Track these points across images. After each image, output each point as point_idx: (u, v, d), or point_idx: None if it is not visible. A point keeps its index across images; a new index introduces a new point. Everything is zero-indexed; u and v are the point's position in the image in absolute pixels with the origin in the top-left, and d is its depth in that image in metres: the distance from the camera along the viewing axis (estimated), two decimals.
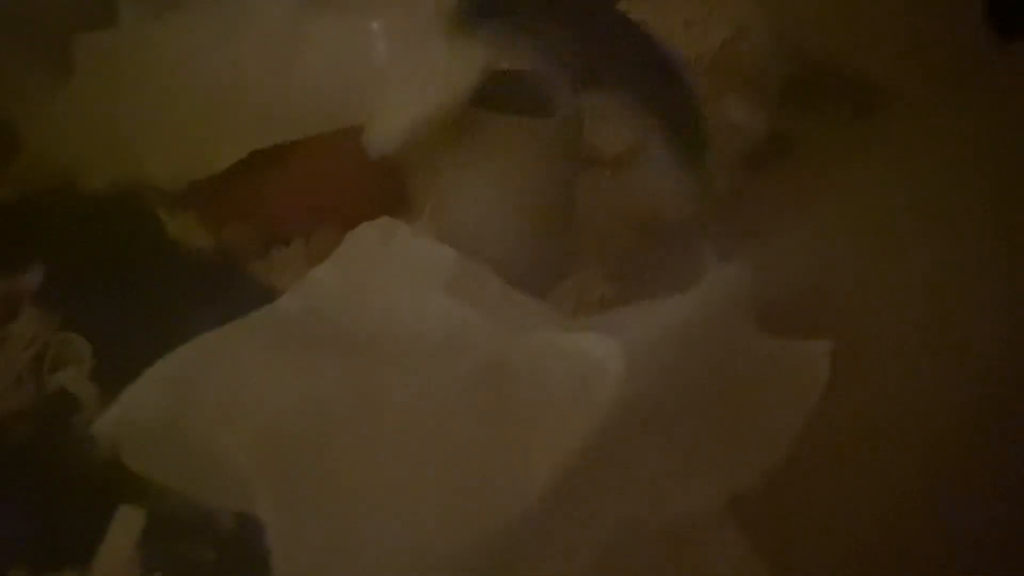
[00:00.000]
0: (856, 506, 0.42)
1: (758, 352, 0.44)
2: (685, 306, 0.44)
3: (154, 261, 0.59)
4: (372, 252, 0.54)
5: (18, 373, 0.50)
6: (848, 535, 0.42)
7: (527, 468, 0.35)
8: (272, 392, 0.34)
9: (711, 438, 0.41)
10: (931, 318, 0.51)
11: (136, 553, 0.39)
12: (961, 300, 0.53)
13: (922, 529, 0.41)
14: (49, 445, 0.46)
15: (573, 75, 0.62)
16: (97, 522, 0.40)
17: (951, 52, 0.70)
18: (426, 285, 0.51)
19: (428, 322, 0.48)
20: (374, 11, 0.73)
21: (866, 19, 0.73)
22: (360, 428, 0.34)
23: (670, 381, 0.40)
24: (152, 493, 0.41)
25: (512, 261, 0.56)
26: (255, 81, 0.71)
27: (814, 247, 0.56)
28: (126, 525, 0.40)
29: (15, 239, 0.60)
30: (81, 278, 0.57)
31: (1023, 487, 0.44)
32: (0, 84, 0.68)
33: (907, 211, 0.60)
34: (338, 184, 0.67)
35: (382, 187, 0.70)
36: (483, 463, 0.34)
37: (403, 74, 0.70)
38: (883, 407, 0.46)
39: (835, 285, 0.53)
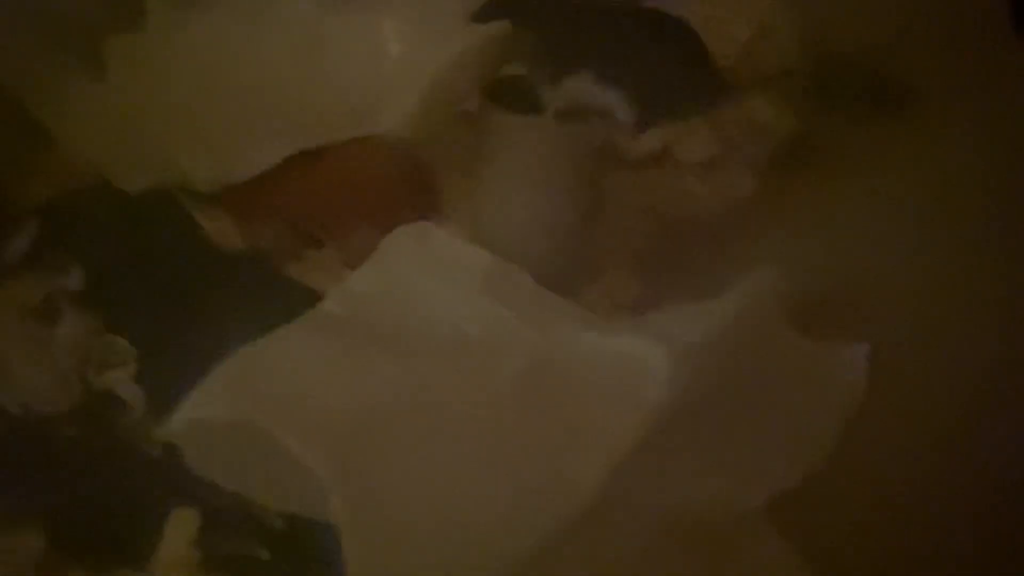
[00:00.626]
0: (896, 505, 0.43)
1: (796, 355, 0.45)
2: (725, 310, 0.44)
3: (191, 263, 0.59)
4: (409, 255, 0.55)
5: (64, 375, 0.51)
6: (888, 535, 0.42)
7: (577, 469, 0.35)
8: (335, 394, 0.35)
9: (751, 440, 0.42)
10: (963, 317, 0.52)
11: (192, 553, 0.40)
12: (991, 298, 0.54)
13: (962, 529, 0.42)
14: (98, 446, 0.46)
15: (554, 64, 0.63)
16: (151, 523, 0.41)
17: (975, 51, 0.70)
18: (463, 287, 0.52)
19: (467, 324, 0.48)
20: (397, 9, 0.74)
21: (890, 18, 0.74)
22: (418, 429, 0.34)
23: (712, 384, 0.41)
24: (204, 494, 0.42)
25: (543, 262, 0.57)
26: (285, 82, 0.71)
27: (844, 248, 0.57)
28: (181, 526, 0.41)
29: (53, 240, 0.60)
30: (119, 280, 0.57)
31: None
32: (32, 84, 0.69)
33: (935, 210, 0.61)
34: (370, 186, 0.67)
35: (413, 189, 0.71)
36: (536, 463, 0.35)
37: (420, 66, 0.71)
38: (918, 408, 0.46)
39: (866, 286, 0.53)
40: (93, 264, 0.58)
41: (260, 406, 0.34)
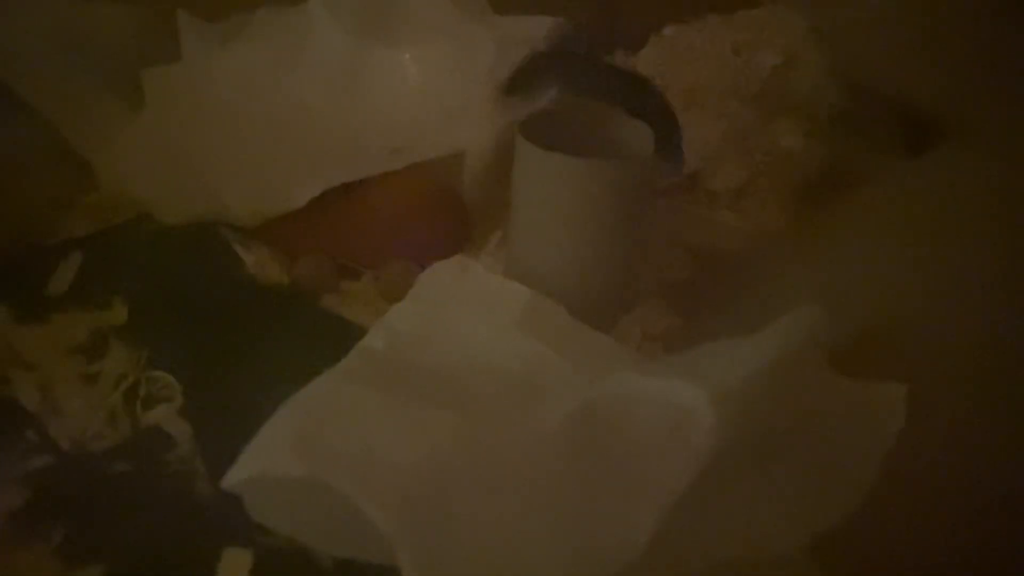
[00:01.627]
0: (939, 544, 0.43)
1: (835, 394, 0.46)
2: (764, 348, 0.45)
3: (232, 296, 0.60)
4: (448, 291, 0.55)
5: (111, 410, 0.52)
6: (930, 568, 0.43)
7: (630, 516, 0.36)
8: (397, 448, 0.36)
9: (792, 481, 0.42)
10: (1002, 353, 0.52)
11: None
12: None
13: (1007, 570, 0.42)
14: (148, 483, 0.47)
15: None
16: (205, 561, 0.42)
17: (1006, 85, 0.71)
18: (502, 323, 0.52)
19: (509, 360, 0.49)
20: (431, 43, 0.75)
21: (919, 51, 0.74)
22: (476, 481, 0.35)
23: (753, 426, 0.41)
24: (257, 534, 0.43)
25: (577, 296, 0.58)
26: (322, 116, 0.72)
27: (880, 283, 0.57)
28: (234, 565, 0.42)
29: (98, 273, 0.61)
30: (162, 314, 0.58)
31: None
32: (73, 118, 0.70)
33: (971, 243, 0.61)
34: (405, 218, 0.68)
35: (447, 221, 0.72)
36: (589, 511, 0.36)
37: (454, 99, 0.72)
38: (959, 446, 0.47)
39: (904, 322, 0.54)
40: (137, 297, 0.59)
41: (328, 463, 0.34)
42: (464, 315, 0.53)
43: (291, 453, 0.36)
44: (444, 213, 0.68)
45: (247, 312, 0.59)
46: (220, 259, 0.63)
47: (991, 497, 0.45)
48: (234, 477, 0.38)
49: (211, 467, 0.48)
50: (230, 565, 0.42)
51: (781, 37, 0.82)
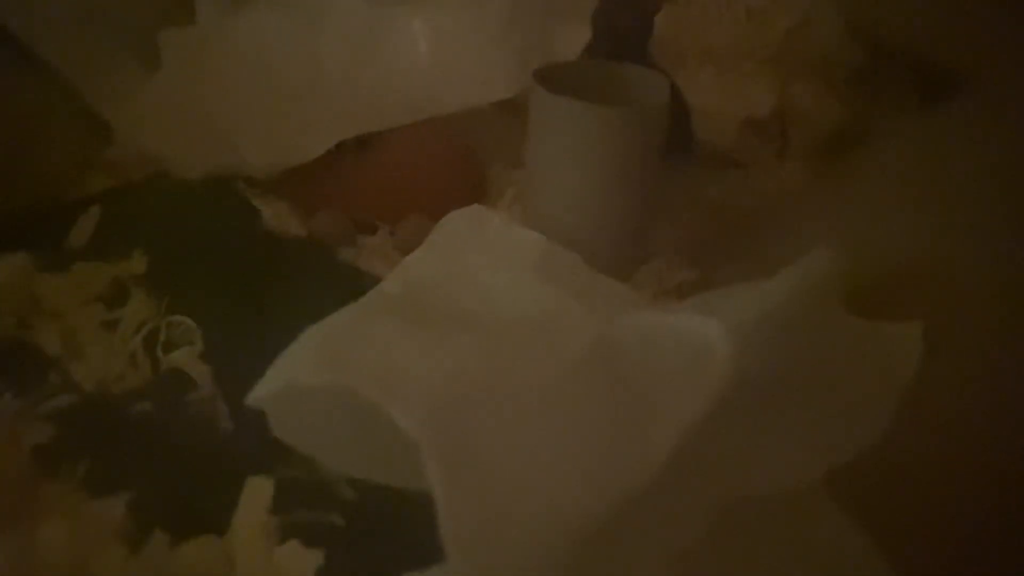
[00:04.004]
0: (955, 478, 0.43)
1: (851, 334, 0.46)
2: (780, 289, 0.45)
3: (250, 248, 0.61)
4: (464, 239, 0.56)
5: (132, 354, 0.53)
6: (946, 507, 0.43)
7: (648, 441, 0.36)
8: (422, 364, 0.36)
9: (809, 416, 0.42)
10: (1018, 295, 0.52)
11: (268, 519, 0.41)
12: None
13: (1021, 502, 0.42)
14: (170, 420, 0.48)
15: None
16: (227, 491, 0.43)
17: (1021, 34, 0.70)
18: (519, 270, 0.53)
19: (526, 305, 0.49)
20: (444, 2, 0.76)
21: (934, 5, 0.74)
22: (500, 400, 0.35)
23: (771, 362, 0.41)
24: (277, 464, 0.43)
25: (593, 246, 0.58)
26: (336, 72, 0.73)
27: (897, 230, 0.57)
28: (257, 494, 0.42)
29: (118, 227, 0.62)
30: (181, 265, 0.59)
31: None
32: (91, 77, 0.71)
33: (987, 192, 0.61)
34: (421, 173, 0.69)
35: (463, 176, 0.72)
36: (607, 432, 0.36)
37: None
38: (975, 384, 0.47)
39: (921, 266, 0.54)
40: (156, 249, 0.59)
41: (357, 373, 0.35)
42: (481, 262, 0.53)
43: (317, 364, 0.37)
44: (459, 168, 0.68)
45: (265, 262, 0.60)
46: (238, 212, 0.63)
47: (1013, 432, 0.45)
48: (260, 391, 0.38)
49: (232, 406, 0.48)
50: (253, 493, 0.42)
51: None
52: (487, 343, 0.39)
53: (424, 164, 0.68)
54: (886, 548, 0.41)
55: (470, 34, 0.73)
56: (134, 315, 0.55)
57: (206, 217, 0.63)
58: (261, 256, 0.60)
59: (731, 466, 0.41)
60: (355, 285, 0.58)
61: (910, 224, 0.60)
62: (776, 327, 0.43)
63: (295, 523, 0.42)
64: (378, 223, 0.65)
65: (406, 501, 0.40)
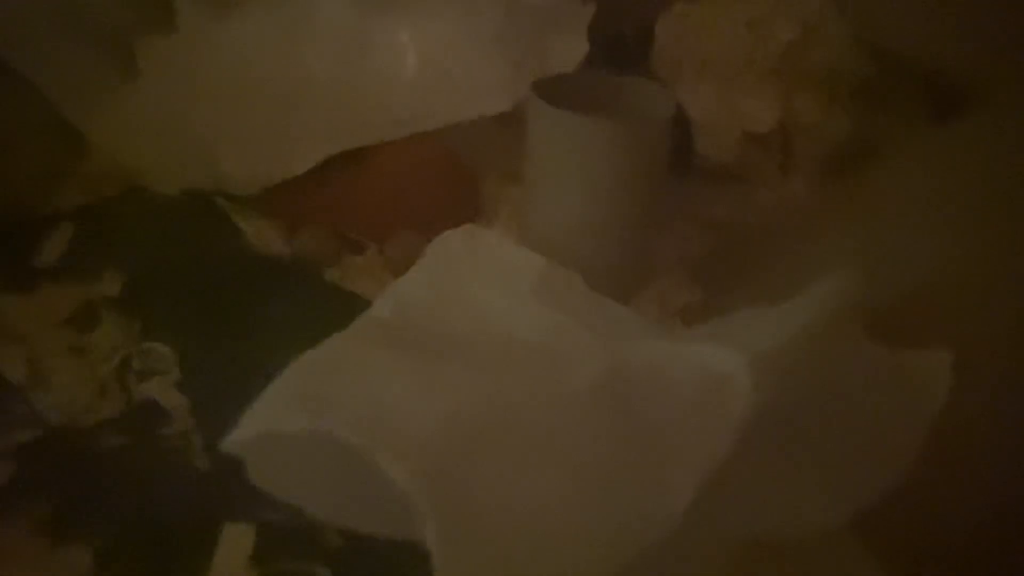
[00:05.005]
0: (987, 522, 0.40)
1: (874, 363, 0.43)
2: (798, 316, 0.42)
3: (231, 267, 0.58)
4: (458, 259, 0.53)
5: (102, 383, 0.49)
6: (973, 548, 0.40)
7: (666, 484, 0.33)
8: (414, 406, 0.33)
9: (833, 453, 0.40)
10: None
11: (250, 570, 0.38)
12: None
13: None
14: (144, 458, 0.44)
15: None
16: (204, 538, 0.39)
17: None
18: (516, 292, 0.50)
19: (525, 331, 0.46)
20: (437, 13, 0.73)
21: (946, 17, 0.72)
22: (502, 442, 0.32)
23: (792, 394, 0.39)
24: (258, 509, 0.40)
25: (594, 266, 0.55)
26: (324, 84, 0.70)
27: (914, 251, 0.55)
28: (236, 542, 0.39)
29: (89, 245, 0.59)
30: (158, 285, 0.56)
31: None
32: (67, 88, 0.68)
33: (1004, 209, 0.59)
34: (411, 189, 0.65)
35: (456, 191, 0.69)
36: (621, 478, 0.33)
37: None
38: (999, 414, 0.44)
39: (942, 289, 0.51)
40: (130, 269, 0.56)
41: (341, 417, 0.31)
42: (476, 283, 0.50)
43: (297, 408, 0.33)
44: (452, 182, 0.65)
45: (246, 283, 0.57)
46: (217, 229, 0.60)
47: None
48: (236, 438, 0.35)
49: (209, 441, 0.45)
50: (232, 542, 0.39)
51: (798, 10, 0.79)
52: (485, 375, 0.36)
53: (415, 178, 0.65)
54: None
55: (463, 45, 0.70)
56: (105, 341, 0.52)
57: (184, 235, 0.60)
58: (242, 277, 0.57)
59: (749, 508, 0.38)
60: (342, 307, 0.55)
61: (923, 244, 0.57)
62: (796, 357, 0.40)
63: (278, 573, 0.38)
64: (366, 241, 0.62)
65: (398, 550, 0.36)
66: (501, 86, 0.66)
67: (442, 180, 0.65)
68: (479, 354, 0.41)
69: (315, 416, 0.32)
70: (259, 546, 0.39)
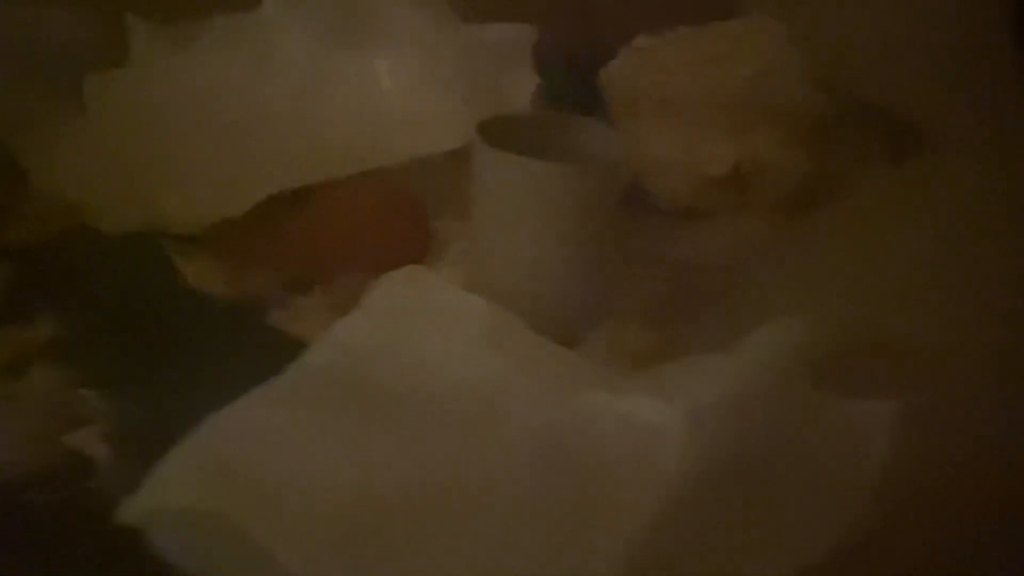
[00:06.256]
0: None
1: (818, 415, 0.42)
2: (741, 364, 0.41)
3: (171, 310, 0.56)
4: (400, 303, 0.51)
5: (29, 433, 0.48)
6: None
7: (596, 544, 0.32)
8: (326, 474, 0.31)
9: (774, 510, 0.39)
10: (993, 366, 0.48)
11: None
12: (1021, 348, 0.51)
13: None
14: (66, 517, 0.42)
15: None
16: None
17: (993, 94, 0.68)
18: (459, 337, 0.48)
19: (465, 377, 0.45)
20: (393, 48, 0.72)
21: (905, 58, 0.72)
22: (425, 515, 0.30)
23: (730, 450, 0.38)
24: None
25: (542, 309, 0.54)
26: (276, 119, 0.68)
27: (864, 297, 0.54)
28: None
29: (25, 287, 0.57)
30: (95, 330, 0.54)
31: None
32: (9, 121, 0.67)
33: (956, 255, 0.58)
34: (360, 229, 0.64)
35: (405, 231, 0.68)
36: (551, 540, 0.32)
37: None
38: (952, 467, 0.43)
39: (890, 337, 0.50)
40: (68, 313, 0.55)
41: (236, 494, 0.29)
42: (418, 329, 0.49)
43: (196, 483, 0.32)
44: (403, 221, 0.64)
45: (185, 327, 0.55)
46: (158, 270, 0.58)
47: (999, 525, 0.41)
48: (132, 509, 0.33)
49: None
50: None
51: (757, 47, 0.79)
52: (415, 431, 0.35)
53: (365, 217, 0.64)
54: None
55: (418, 81, 0.69)
56: (34, 388, 0.50)
57: (124, 277, 0.58)
58: (180, 319, 0.56)
59: (690, 564, 0.37)
60: (285, 352, 0.54)
61: (879, 288, 0.56)
62: (737, 408, 0.39)
63: None
64: (314, 281, 0.61)
65: None
66: (453, 123, 0.65)
67: (392, 218, 0.64)
68: (413, 407, 0.39)
69: (208, 491, 0.31)
70: None
